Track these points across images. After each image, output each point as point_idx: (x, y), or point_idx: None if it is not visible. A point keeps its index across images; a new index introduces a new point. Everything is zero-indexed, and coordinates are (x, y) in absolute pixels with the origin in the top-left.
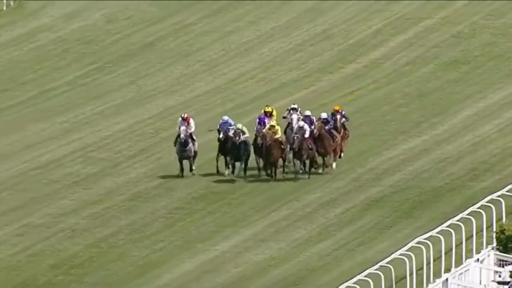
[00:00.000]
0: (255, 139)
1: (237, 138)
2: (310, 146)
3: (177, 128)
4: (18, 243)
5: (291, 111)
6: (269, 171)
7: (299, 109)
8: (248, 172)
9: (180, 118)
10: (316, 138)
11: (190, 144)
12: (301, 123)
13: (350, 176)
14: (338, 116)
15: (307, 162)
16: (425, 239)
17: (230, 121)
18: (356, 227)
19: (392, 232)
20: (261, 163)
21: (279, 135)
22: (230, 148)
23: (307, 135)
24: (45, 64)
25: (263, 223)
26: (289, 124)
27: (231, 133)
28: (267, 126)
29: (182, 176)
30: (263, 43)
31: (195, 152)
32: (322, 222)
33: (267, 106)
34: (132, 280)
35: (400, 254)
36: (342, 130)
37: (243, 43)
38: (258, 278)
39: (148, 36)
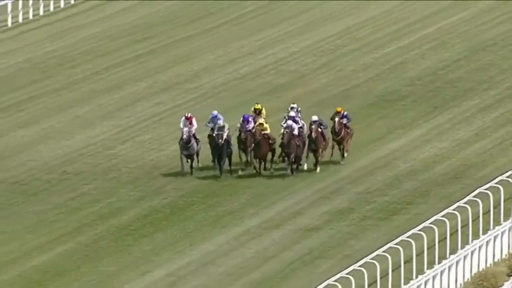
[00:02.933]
0: (239, 135)
1: (220, 140)
2: (297, 144)
3: (180, 125)
4: None
5: (290, 110)
6: (257, 166)
7: (298, 108)
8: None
9: (183, 117)
10: (312, 140)
11: (193, 142)
12: (290, 122)
13: (504, 85)
14: (337, 119)
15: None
16: None
17: (219, 116)
18: (510, 129)
19: None
20: (244, 158)
21: (268, 131)
22: (214, 148)
23: (295, 132)
24: None
25: (428, 126)
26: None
27: (215, 131)
28: (257, 123)
29: (184, 173)
30: None
31: (198, 151)
32: (479, 124)
33: (256, 103)
34: (319, 172)
35: None
36: (344, 129)
37: None
38: (424, 172)
39: None
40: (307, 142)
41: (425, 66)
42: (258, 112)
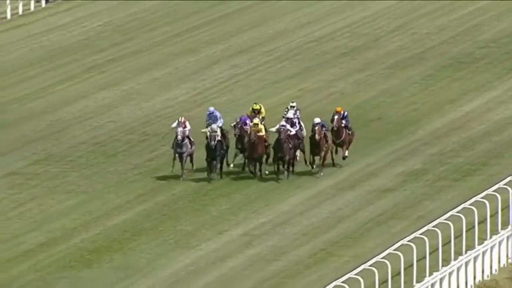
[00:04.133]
0: (235, 134)
1: (213, 142)
2: (290, 146)
3: (174, 125)
4: (298, 103)
5: (289, 109)
6: (252, 168)
7: (296, 107)
8: None
9: (176, 121)
10: (315, 143)
11: (186, 142)
12: (283, 122)
13: None
14: (336, 117)
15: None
16: None
17: (216, 112)
18: None
19: None
20: (240, 157)
21: (263, 133)
22: (206, 149)
23: (293, 132)
24: None
25: (503, 87)
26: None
27: (207, 129)
28: (251, 123)
29: (174, 170)
30: None
31: (191, 152)
32: None
33: (255, 103)
34: (394, 134)
35: None
36: (345, 132)
37: None
38: (498, 134)
39: None
40: (308, 145)
41: (500, 28)
42: (257, 112)
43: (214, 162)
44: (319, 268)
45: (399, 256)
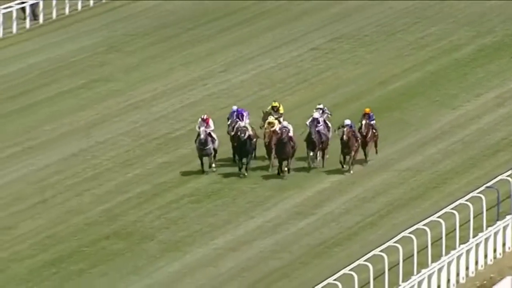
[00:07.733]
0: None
1: (243, 134)
2: (292, 145)
3: (197, 128)
4: (505, 9)
5: (316, 110)
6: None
7: (325, 108)
8: None
9: (200, 119)
10: (344, 143)
11: (209, 142)
12: (285, 123)
13: None
14: (364, 121)
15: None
16: None
17: (240, 110)
18: None
19: None
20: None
21: (276, 127)
22: (237, 145)
23: (291, 133)
24: None
25: None
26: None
27: (236, 126)
28: (266, 122)
29: (203, 172)
30: None
31: (215, 150)
32: None
33: (274, 101)
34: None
35: None
36: (371, 131)
37: None
38: None
39: None
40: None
41: None
42: (276, 110)
43: (244, 159)
44: None
45: None
